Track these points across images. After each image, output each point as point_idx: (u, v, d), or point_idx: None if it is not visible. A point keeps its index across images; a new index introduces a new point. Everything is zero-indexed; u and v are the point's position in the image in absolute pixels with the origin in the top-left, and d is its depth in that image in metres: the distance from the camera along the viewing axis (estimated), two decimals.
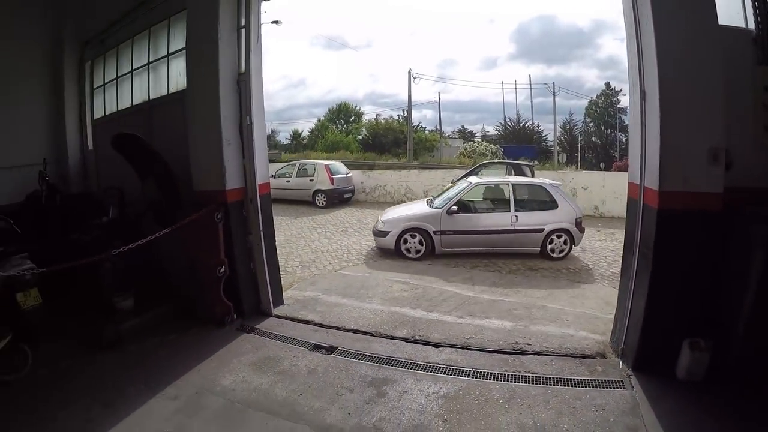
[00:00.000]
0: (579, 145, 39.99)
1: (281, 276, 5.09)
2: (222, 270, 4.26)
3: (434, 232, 7.58)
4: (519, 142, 37.45)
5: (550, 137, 39.68)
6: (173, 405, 3.05)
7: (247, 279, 4.58)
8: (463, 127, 48.57)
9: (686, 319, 3.06)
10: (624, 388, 3.03)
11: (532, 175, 11.14)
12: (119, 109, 5.81)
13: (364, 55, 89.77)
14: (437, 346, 3.85)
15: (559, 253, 7.46)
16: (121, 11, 5.32)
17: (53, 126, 6.17)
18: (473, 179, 8.83)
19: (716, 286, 2.99)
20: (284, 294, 5.22)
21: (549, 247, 7.46)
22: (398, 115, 40.68)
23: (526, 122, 42.58)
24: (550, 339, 3.90)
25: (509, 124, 42.99)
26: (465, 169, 14.44)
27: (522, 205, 7.73)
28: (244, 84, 4.16)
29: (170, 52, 4.82)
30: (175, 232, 4.24)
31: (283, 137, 47.03)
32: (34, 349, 3.67)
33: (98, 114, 6.21)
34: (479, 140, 34.18)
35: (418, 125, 41.40)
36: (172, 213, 4.38)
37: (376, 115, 42.85)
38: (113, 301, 4.29)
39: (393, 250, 7.72)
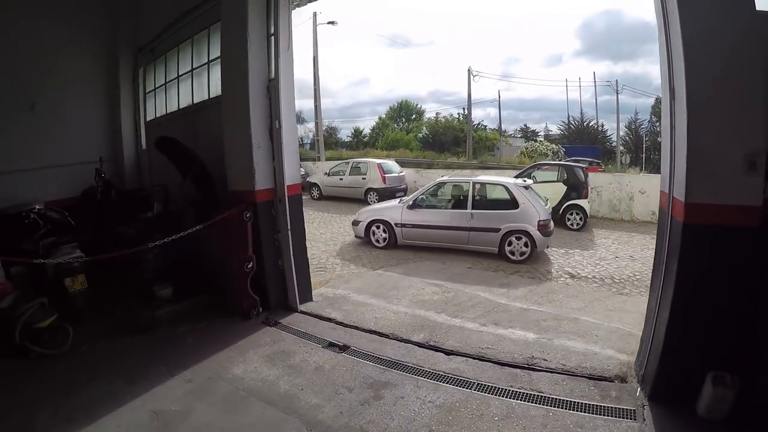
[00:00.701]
0: (644, 145, 36.84)
1: (319, 273, 5.26)
2: (250, 266, 4.48)
3: (395, 224, 8.19)
4: (583, 142, 35.61)
5: (615, 137, 37.17)
6: (186, 387, 3.30)
7: (274, 275, 4.77)
8: (525, 125, 46.83)
9: (712, 348, 2.71)
10: (635, 419, 2.73)
11: (586, 177, 10.50)
12: (167, 112, 6.36)
13: (427, 53, 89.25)
14: (449, 353, 3.77)
15: (520, 255, 7.38)
16: (167, 22, 5.82)
17: (111, 127, 6.91)
18: (445, 177, 9.67)
19: (750, 313, 2.58)
20: (317, 291, 5.41)
21: (508, 249, 7.45)
22: (458, 114, 40.03)
23: (590, 121, 40.28)
24: (570, 355, 3.65)
25: (573, 123, 40.90)
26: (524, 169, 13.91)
27: (481, 205, 7.89)
28: (274, 89, 4.36)
29: (210, 59, 5.18)
30: (209, 228, 4.56)
31: (345, 135, 48.19)
32: (76, 327, 4.12)
33: (150, 116, 6.84)
34: (541, 139, 32.76)
35: (479, 124, 40.57)
36: (209, 211, 4.69)
37: (436, 114, 42.56)
38: (153, 289, 4.69)
39: (363, 238, 8.56)
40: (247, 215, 4.42)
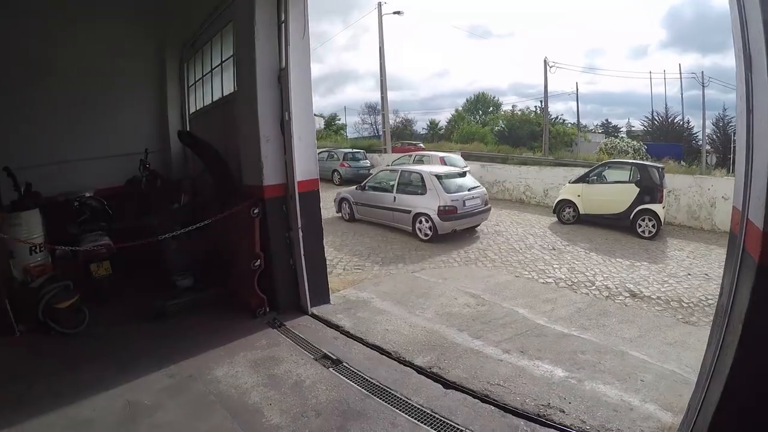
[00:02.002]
0: (732, 145, 31.43)
1: (356, 271, 5.00)
2: (257, 263, 4.33)
3: (353, 203, 10.06)
4: (667, 140, 31.63)
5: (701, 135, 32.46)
6: (166, 382, 3.29)
7: (284, 275, 4.57)
8: (607, 120, 42.83)
9: None
10: None
11: (661, 179, 9.08)
12: (205, 104, 6.45)
13: (507, 45, 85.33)
14: (448, 386, 3.23)
15: (424, 235, 8.44)
16: (203, 16, 5.86)
17: (158, 119, 7.21)
18: (384, 166, 12.05)
19: None
20: (341, 292, 5.21)
21: (417, 227, 8.58)
22: (535, 107, 37.66)
23: (675, 117, 35.61)
24: (597, 408, 2.94)
25: (657, 119, 36.51)
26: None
27: (402, 189, 9.11)
28: (284, 79, 4.11)
29: (234, 52, 5.07)
30: (223, 223, 4.51)
31: (421, 127, 47.67)
32: (97, 311, 4.36)
33: (192, 108, 7.02)
34: (623, 136, 29.61)
35: (557, 118, 37.86)
36: (228, 204, 4.63)
37: (512, 106, 40.52)
38: (173, 278, 4.77)
39: (336, 212, 10.66)
40: (255, 211, 4.26)
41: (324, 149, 21.94)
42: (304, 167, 4.41)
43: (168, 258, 4.91)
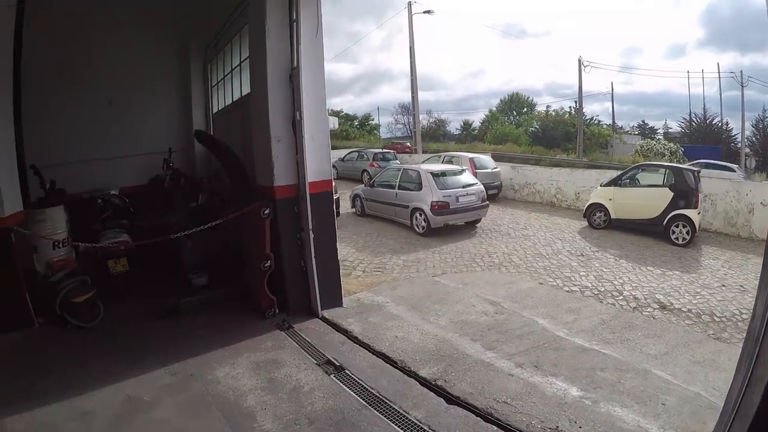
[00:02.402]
0: None
1: (376, 273, 5.06)
2: (267, 264, 4.31)
3: (363, 198, 10.71)
4: (705, 142, 29.88)
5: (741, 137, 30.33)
6: (168, 380, 3.35)
7: (295, 276, 4.53)
8: (643, 122, 40.86)
9: None
10: None
11: (697, 183, 8.51)
12: (226, 104, 6.51)
13: (543, 44, 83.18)
14: (451, 401, 3.07)
15: (421, 229, 8.89)
16: (224, 16, 5.92)
17: (183, 119, 7.36)
18: (395, 164, 12.98)
19: None
20: (356, 295, 5.17)
21: (414, 221, 9.05)
22: (570, 107, 36.43)
23: (713, 118, 33.50)
24: None
25: (694, 120, 34.53)
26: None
27: (403, 186, 9.64)
28: (296, 79, 4.05)
29: (249, 52, 5.06)
30: (236, 222, 4.53)
31: (454, 127, 47.04)
32: (114, 306, 4.50)
33: (215, 108, 7.11)
34: (659, 137, 28.17)
35: (592, 118, 36.49)
36: (243, 203, 4.64)
37: (547, 107, 39.43)
38: (188, 277, 4.84)
39: (351, 208, 11.28)
40: (265, 212, 4.23)
41: (354, 149, 22.09)
42: (317, 167, 4.35)
43: (184, 256, 4.99)
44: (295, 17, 4.00)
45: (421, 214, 8.87)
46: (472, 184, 9.55)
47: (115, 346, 3.92)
